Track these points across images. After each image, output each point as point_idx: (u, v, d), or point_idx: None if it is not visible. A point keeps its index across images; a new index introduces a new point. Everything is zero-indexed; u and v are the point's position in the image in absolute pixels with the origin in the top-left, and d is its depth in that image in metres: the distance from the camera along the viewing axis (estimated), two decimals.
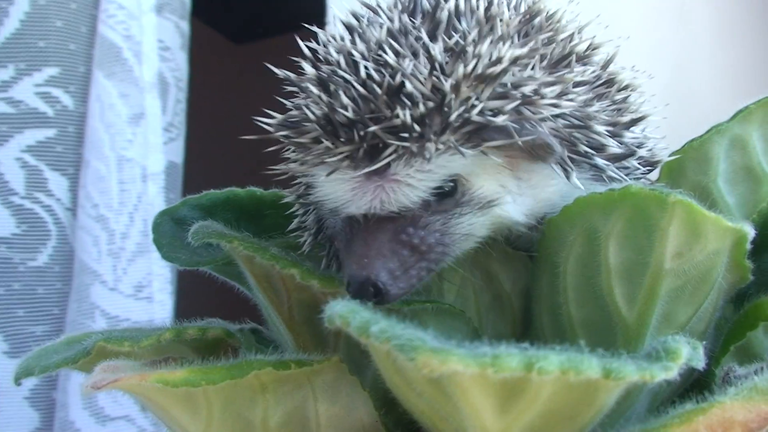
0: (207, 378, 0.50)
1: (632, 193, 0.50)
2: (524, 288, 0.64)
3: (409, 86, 0.50)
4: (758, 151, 0.68)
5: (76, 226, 1.44)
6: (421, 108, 0.50)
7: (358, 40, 0.55)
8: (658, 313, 0.54)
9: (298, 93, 0.59)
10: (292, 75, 0.58)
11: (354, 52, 0.53)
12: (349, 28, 0.58)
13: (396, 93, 0.50)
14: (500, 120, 0.51)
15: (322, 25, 1.69)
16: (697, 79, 1.64)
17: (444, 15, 0.54)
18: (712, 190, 0.67)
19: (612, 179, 0.59)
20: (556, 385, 0.40)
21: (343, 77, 0.52)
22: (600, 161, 0.57)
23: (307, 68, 0.56)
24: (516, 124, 0.51)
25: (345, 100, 0.51)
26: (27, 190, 1.42)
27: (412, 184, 0.52)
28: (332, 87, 0.52)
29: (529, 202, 0.58)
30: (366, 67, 0.51)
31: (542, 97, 0.53)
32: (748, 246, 0.55)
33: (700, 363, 0.46)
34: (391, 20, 0.55)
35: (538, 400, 0.42)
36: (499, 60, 0.51)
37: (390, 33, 0.54)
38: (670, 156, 0.67)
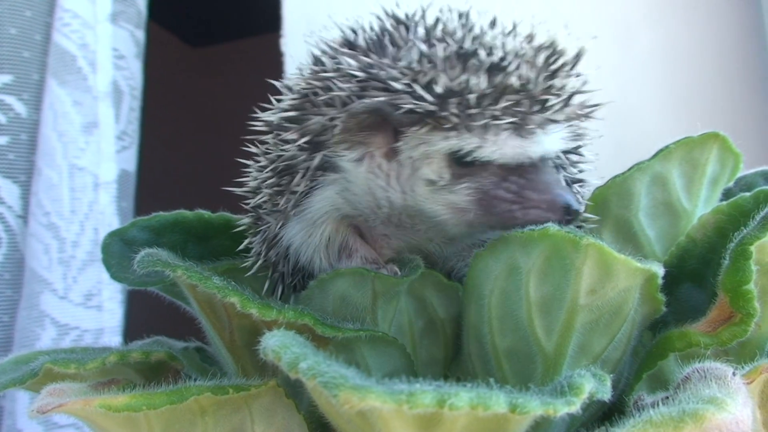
0: (148, 403, 0.52)
1: (550, 234, 0.54)
2: (456, 315, 0.68)
3: (561, 75, 0.64)
4: (678, 187, 0.73)
5: (27, 234, 1.44)
6: (560, 82, 0.63)
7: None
8: (574, 343, 0.59)
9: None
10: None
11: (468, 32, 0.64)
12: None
13: (542, 68, 0.63)
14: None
15: (277, 30, 1.72)
16: (640, 99, 1.69)
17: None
18: (633, 224, 0.72)
19: None
20: (469, 417, 0.43)
21: (531, 63, 0.63)
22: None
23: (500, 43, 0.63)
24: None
25: (541, 80, 0.62)
26: None
27: (563, 137, 0.65)
28: (527, 66, 0.62)
29: None
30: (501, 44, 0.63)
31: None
32: (660, 282, 0.59)
33: (606, 395, 0.50)
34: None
35: (454, 430, 0.45)
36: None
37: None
38: (594, 191, 0.71)
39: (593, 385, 0.47)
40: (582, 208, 0.66)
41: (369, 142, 0.65)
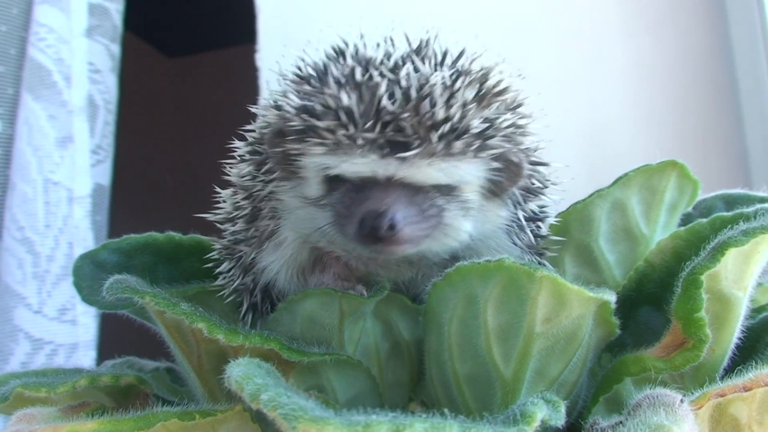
0: (116, 429, 0.54)
1: (506, 266, 0.56)
2: (421, 337, 0.69)
3: (443, 95, 0.60)
4: (636, 213, 0.75)
5: (2, 248, 1.44)
6: (451, 114, 0.60)
7: (380, 54, 0.65)
8: (532, 369, 0.60)
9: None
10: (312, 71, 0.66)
11: (386, 60, 0.64)
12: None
13: (428, 98, 0.60)
14: (500, 135, 0.63)
15: (253, 40, 1.73)
16: (609, 116, 1.72)
17: (429, 53, 0.66)
18: (593, 249, 0.74)
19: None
20: None
21: (372, 78, 0.61)
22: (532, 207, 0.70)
23: (337, 65, 0.64)
24: (509, 143, 0.64)
25: (381, 96, 0.60)
26: None
27: (430, 173, 0.61)
28: (361, 82, 0.61)
29: (478, 226, 0.67)
30: (398, 72, 0.62)
31: (523, 129, 0.66)
32: (614, 306, 0.61)
33: (559, 421, 0.51)
34: (387, 50, 0.66)
35: None
36: (505, 89, 0.65)
37: (409, 55, 0.65)
38: (555, 217, 0.73)
39: (546, 413, 0.49)
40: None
41: (296, 170, 0.66)
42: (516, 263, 0.56)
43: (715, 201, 0.85)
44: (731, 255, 0.60)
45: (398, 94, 0.60)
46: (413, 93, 0.60)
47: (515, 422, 0.47)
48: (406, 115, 0.59)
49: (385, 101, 0.59)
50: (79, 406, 0.63)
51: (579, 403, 0.67)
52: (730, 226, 0.64)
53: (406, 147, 0.60)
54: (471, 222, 0.66)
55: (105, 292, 0.64)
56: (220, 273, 0.75)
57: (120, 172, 1.68)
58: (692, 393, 0.57)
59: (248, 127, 0.73)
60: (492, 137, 0.62)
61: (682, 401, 0.53)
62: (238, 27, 2.04)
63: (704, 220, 0.70)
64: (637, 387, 0.65)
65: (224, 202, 0.75)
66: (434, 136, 0.60)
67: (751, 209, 0.69)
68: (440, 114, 0.60)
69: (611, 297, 0.59)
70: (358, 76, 0.62)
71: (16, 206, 1.44)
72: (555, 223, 0.73)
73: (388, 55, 0.65)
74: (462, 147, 0.61)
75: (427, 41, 0.68)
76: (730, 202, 0.84)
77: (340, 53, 0.67)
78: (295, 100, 0.63)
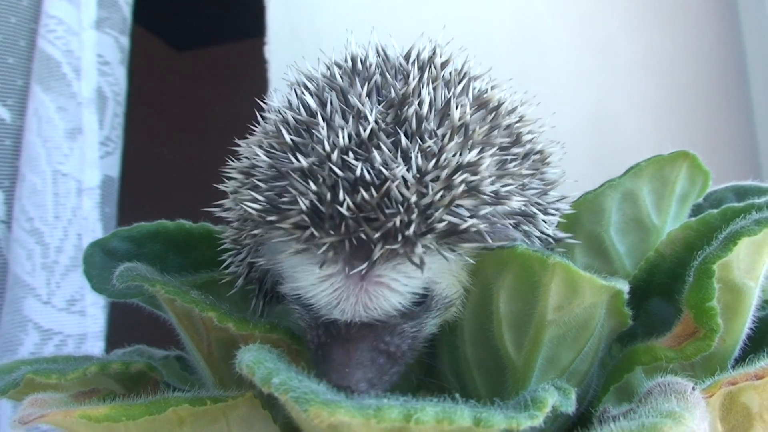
0: (127, 414, 0.54)
1: (519, 254, 0.56)
2: None
3: (398, 192, 0.52)
4: (648, 204, 0.75)
5: (11, 239, 1.45)
6: (410, 213, 0.52)
7: (337, 126, 0.56)
8: (543, 356, 0.60)
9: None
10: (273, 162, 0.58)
11: (340, 144, 0.54)
12: (322, 103, 0.59)
13: (385, 196, 0.52)
14: (478, 224, 0.54)
15: (262, 33, 1.73)
16: (619, 108, 1.71)
17: (411, 111, 0.56)
18: (604, 239, 0.74)
19: None
20: (435, 430, 0.45)
21: (334, 172, 0.53)
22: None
23: (291, 156, 0.56)
24: (491, 227, 0.55)
25: (340, 196, 0.52)
26: None
27: (396, 288, 0.54)
28: (321, 179, 0.53)
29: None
30: (355, 166, 0.53)
31: (505, 197, 0.57)
32: (626, 297, 0.61)
33: (570, 408, 0.51)
34: (361, 113, 0.56)
35: None
36: (474, 167, 0.55)
37: (371, 131, 0.55)
38: (567, 209, 0.73)
39: (557, 399, 0.49)
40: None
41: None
42: (529, 250, 0.56)
43: (725, 192, 0.85)
44: (743, 244, 0.60)
45: (360, 189, 0.52)
46: (372, 193, 0.52)
47: (526, 408, 0.47)
48: (363, 217, 0.52)
49: (332, 201, 0.52)
50: (89, 392, 0.63)
51: (590, 392, 0.67)
52: (741, 216, 0.64)
53: (366, 254, 0.52)
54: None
55: (115, 280, 0.64)
56: (231, 262, 0.75)
57: (129, 164, 1.68)
58: (703, 382, 0.57)
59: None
60: (465, 232, 0.54)
61: (693, 389, 0.53)
62: (247, 20, 2.04)
63: (715, 210, 0.70)
64: (647, 377, 0.64)
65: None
66: (395, 238, 0.52)
67: (762, 200, 0.69)
68: (404, 216, 0.52)
69: (624, 287, 0.59)
70: (319, 170, 0.54)
71: (25, 197, 1.44)
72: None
73: (358, 129, 0.55)
74: (425, 248, 0.53)
75: (419, 85, 0.59)
76: (741, 193, 0.84)
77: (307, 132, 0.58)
78: (256, 195, 0.57)
